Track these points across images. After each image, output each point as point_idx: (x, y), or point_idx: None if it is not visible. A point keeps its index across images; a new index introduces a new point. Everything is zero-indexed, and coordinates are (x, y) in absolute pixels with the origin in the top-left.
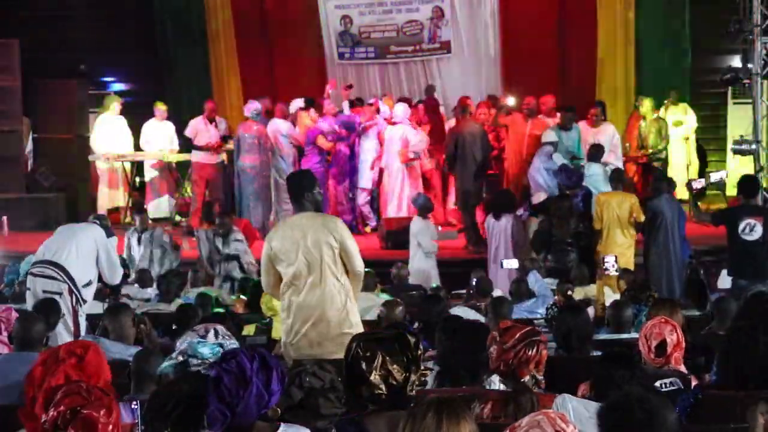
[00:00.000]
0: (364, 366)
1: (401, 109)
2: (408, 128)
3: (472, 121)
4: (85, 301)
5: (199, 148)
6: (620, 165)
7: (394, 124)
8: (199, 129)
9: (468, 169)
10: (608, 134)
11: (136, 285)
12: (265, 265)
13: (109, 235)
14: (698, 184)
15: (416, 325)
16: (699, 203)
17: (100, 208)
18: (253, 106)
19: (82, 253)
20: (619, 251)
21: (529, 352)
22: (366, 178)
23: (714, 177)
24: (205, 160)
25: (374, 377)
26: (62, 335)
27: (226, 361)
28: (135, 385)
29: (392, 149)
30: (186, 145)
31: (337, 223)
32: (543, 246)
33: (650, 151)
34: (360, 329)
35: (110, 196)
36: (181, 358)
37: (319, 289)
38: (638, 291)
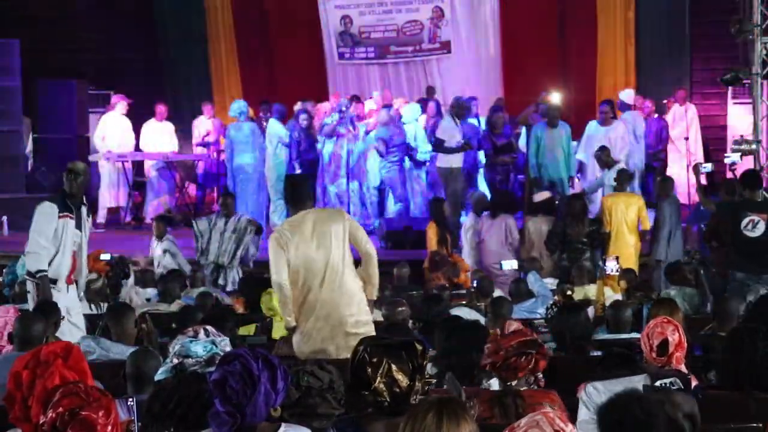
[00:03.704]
0: (369, 372)
1: (414, 110)
2: (419, 128)
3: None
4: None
5: (453, 150)
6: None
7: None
8: (447, 127)
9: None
10: (619, 132)
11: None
12: (279, 261)
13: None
14: (705, 168)
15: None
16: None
17: (101, 208)
18: (239, 106)
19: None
20: (629, 252)
21: (520, 362)
22: (373, 177)
23: (728, 159)
24: (457, 164)
25: (379, 384)
26: (65, 335)
27: (228, 363)
28: (132, 387)
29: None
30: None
31: (342, 212)
32: (557, 246)
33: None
34: (371, 328)
35: (112, 196)
36: (176, 361)
37: (333, 285)
38: (644, 291)
